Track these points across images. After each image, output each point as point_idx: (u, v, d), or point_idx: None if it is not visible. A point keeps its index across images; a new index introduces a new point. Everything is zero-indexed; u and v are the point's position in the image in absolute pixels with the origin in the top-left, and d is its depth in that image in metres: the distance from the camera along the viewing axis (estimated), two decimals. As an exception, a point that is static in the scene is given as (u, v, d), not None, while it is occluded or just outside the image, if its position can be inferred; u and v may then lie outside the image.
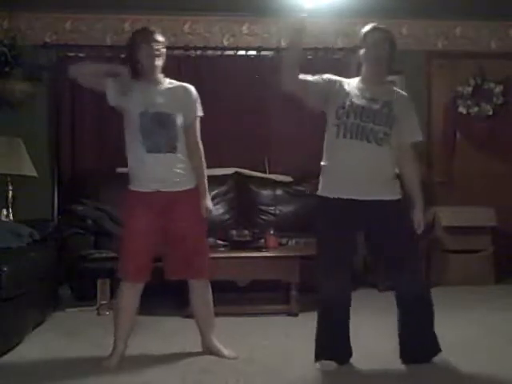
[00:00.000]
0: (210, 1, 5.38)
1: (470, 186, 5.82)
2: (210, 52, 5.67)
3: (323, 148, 3.06)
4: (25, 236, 4.08)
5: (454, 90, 5.91)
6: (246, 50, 5.77)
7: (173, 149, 3.04)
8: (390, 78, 3.24)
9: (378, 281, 5.09)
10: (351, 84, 3.02)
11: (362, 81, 3.01)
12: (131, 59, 3.08)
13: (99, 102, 5.55)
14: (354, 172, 2.91)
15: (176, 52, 5.35)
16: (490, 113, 5.89)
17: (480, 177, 5.88)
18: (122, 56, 5.53)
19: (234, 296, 4.31)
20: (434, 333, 3.04)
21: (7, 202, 4.98)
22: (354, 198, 2.92)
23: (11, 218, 4.86)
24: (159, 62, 3.07)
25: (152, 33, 3.06)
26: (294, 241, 4.80)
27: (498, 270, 5.40)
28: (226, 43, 5.74)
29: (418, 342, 3.02)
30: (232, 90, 5.50)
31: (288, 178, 5.61)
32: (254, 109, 5.63)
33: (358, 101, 2.93)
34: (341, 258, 2.98)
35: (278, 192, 5.55)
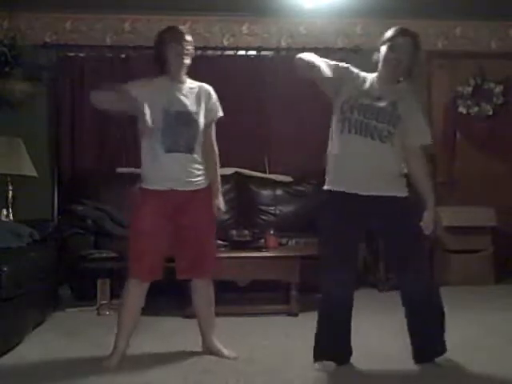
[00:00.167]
0: (209, 1, 5.39)
1: (470, 185, 5.82)
2: (209, 52, 5.68)
3: (328, 140, 3.03)
4: (25, 236, 4.07)
5: (454, 89, 5.91)
6: (246, 50, 5.78)
7: (191, 149, 3.06)
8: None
9: (378, 281, 5.10)
10: (365, 79, 2.99)
11: (377, 79, 2.99)
12: (159, 57, 3.09)
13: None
14: (357, 167, 2.90)
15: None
16: (490, 113, 5.89)
17: (480, 177, 5.88)
18: (122, 56, 5.61)
19: (234, 296, 4.31)
20: (441, 333, 3.02)
21: (7, 202, 4.99)
22: (356, 192, 2.91)
23: (11, 217, 4.86)
24: (187, 61, 3.09)
25: (181, 32, 3.09)
26: (294, 241, 4.80)
27: (498, 270, 5.41)
28: (225, 43, 5.75)
29: (424, 342, 3.01)
30: (232, 89, 5.49)
31: (288, 178, 5.61)
32: (254, 109, 5.64)
33: (363, 98, 2.92)
34: (345, 254, 2.96)
35: (278, 192, 5.55)
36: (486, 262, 5.41)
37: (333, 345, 2.99)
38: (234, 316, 4.01)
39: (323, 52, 5.69)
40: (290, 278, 4.19)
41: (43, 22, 5.60)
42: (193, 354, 3.24)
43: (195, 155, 3.09)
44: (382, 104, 2.93)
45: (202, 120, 3.11)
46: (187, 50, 3.08)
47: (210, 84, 3.28)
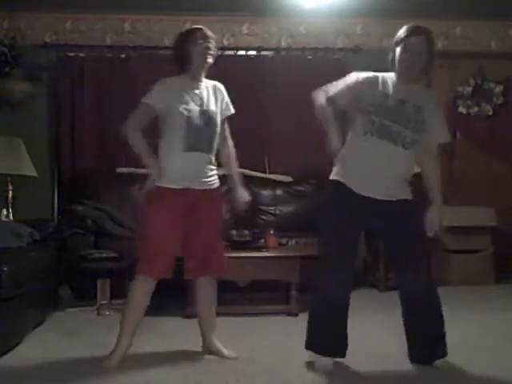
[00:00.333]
0: (209, 1, 5.39)
1: (470, 185, 5.82)
2: (210, 52, 5.68)
3: (345, 140, 2.99)
4: (25, 236, 4.07)
5: (454, 90, 5.91)
6: (246, 50, 5.78)
7: (211, 149, 3.10)
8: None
9: (378, 281, 5.10)
10: (386, 81, 2.96)
11: (396, 79, 2.97)
12: (181, 56, 3.09)
13: (99, 101, 5.62)
14: (372, 171, 2.89)
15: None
16: (490, 113, 5.90)
17: (480, 177, 5.88)
18: (122, 56, 5.61)
19: (234, 296, 4.31)
20: (442, 336, 3.00)
21: (7, 202, 4.99)
22: (364, 194, 2.90)
23: (11, 217, 4.86)
24: (211, 60, 3.09)
25: (206, 32, 3.10)
26: (294, 241, 4.80)
27: (498, 270, 5.41)
28: (226, 43, 5.74)
29: (423, 343, 3.00)
30: (232, 89, 5.48)
31: (288, 178, 5.61)
32: (253, 109, 5.64)
33: (388, 101, 2.90)
34: (345, 254, 2.96)
35: (278, 192, 5.56)
36: (486, 262, 5.41)
37: (332, 343, 2.98)
38: (233, 316, 4.01)
39: (323, 52, 5.74)
40: (289, 278, 4.19)
41: (43, 21, 5.60)
42: (193, 353, 3.24)
43: (211, 155, 3.13)
44: (407, 107, 2.91)
45: (219, 119, 3.15)
46: (212, 49, 3.09)
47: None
